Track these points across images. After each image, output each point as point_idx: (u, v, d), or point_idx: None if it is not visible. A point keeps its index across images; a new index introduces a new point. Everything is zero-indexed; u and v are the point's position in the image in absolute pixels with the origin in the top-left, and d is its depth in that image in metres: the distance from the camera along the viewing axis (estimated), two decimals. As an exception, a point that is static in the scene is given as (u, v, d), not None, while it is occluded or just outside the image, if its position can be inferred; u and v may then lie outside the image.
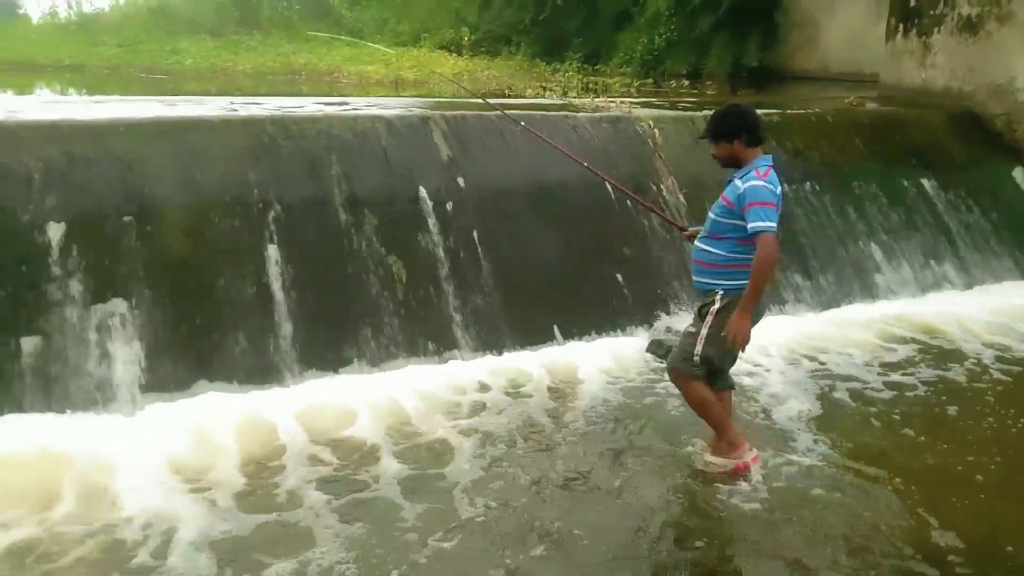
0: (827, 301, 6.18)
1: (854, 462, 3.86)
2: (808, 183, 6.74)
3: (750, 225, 3.42)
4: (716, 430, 3.77)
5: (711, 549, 3.21)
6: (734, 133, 3.60)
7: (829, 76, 12.73)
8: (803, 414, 4.41)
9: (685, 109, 7.13)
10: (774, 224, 3.41)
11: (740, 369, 4.92)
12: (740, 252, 3.55)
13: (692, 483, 3.69)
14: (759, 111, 6.76)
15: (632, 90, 11.86)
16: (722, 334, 3.50)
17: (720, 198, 3.66)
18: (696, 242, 3.75)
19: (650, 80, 13.98)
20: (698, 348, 3.58)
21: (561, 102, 7.75)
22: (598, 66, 15.98)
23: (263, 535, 3.22)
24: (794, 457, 3.91)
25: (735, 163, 3.64)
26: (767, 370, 5.00)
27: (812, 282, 6.23)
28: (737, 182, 3.55)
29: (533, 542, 3.21)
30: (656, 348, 5.05)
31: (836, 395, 4.71)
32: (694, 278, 3.77)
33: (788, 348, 5.33)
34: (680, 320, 5.42)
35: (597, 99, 8.01)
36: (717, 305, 3.56)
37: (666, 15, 14.85)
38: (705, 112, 6.81)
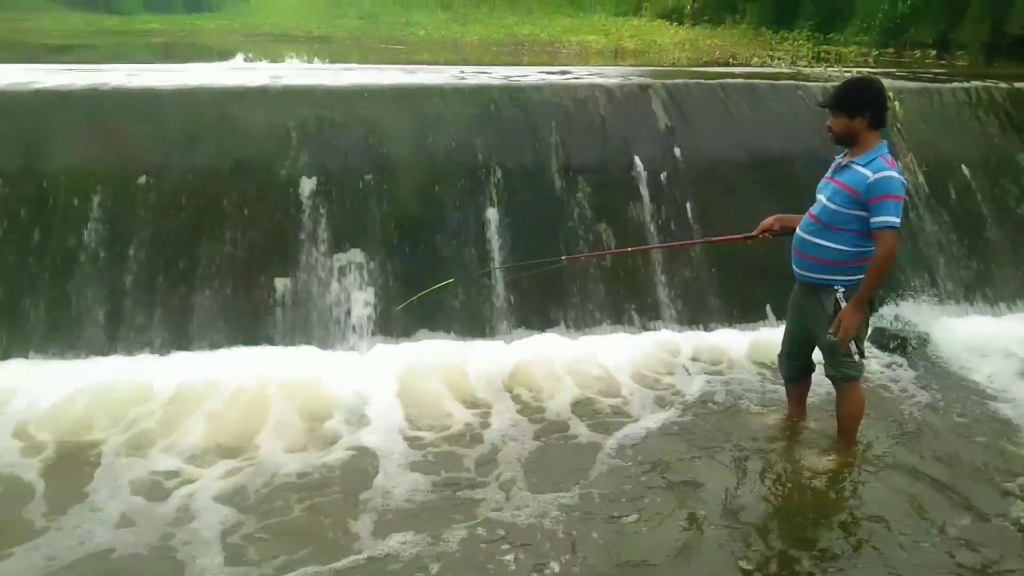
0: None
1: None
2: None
3: (880, 219, 3.16)
4: (852, 438, 3.62)
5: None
6: (859, 109, 3.27)
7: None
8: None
9: (930, 81, 6.51)
10: (899, 221, 3.18)
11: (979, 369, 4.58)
12: (863, 246, 3.28)
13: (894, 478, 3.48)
14: (1020, 84, 6.23)
15: (870, 60, 10.99)
16: (830, 332, 3.31)
17: (833, 183, 3.33)
18: (806, 235, 3.40)
19: (890, 50, 12.85)
20: (854, 348, 3.39)
21: (790, 71, 7.38)
22: (831, 35, 14.95)
23: (468, 463, 3.58)
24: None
25: (848, 141, 3.33)
26: (1003, 371, 4.56)
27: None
28: (862, 169, 3.22)
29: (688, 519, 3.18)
30: (881, 337, 4.75)
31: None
32: (802, 272, 3.44)
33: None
34: (910, 309, 5.07)
35: (830, 68, 7.53)
36: (845, 305, 3.30)
37: (915, -23, 13.57)
38: (955, 85, 6.22)
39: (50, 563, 2.86)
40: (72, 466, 3.45)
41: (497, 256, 4.90)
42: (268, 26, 18.68)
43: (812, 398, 3.95)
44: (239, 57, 12.10)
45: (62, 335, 4.33)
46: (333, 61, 11.97)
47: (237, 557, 2.92)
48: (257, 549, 2.96)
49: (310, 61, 12.18)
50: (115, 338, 4.38)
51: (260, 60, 11.80)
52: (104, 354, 4.31)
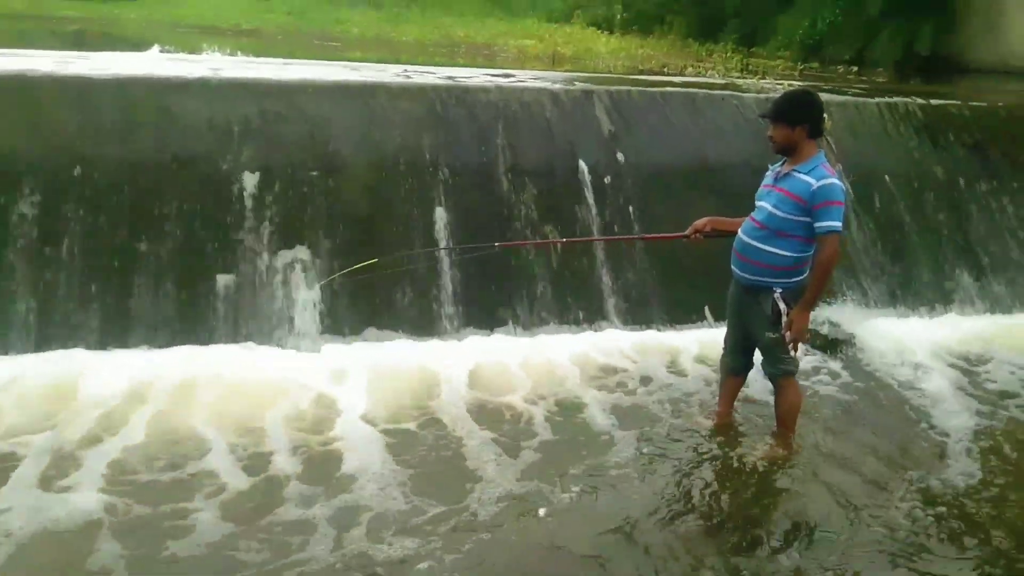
0: (996, 304, 5.84)
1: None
2: (983, 181, 6.33)
3: (823, 224, 3.35)
4: (790, 431, 3.77)
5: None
6: (799, 119, 3.46)
7: (1010, 70, 11.84)
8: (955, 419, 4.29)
9: (855, 96, 6.83)
10: (841, 225, 3.37)
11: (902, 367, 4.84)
12: (803, 251, 3.47)
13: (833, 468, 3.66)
14: (935, 101, 6.62)
15: (796, 74, 11.45)
16: (781, 332, 3.48)
17: (777, 191, 3.49)
18: (752, 240, 3.53)
19: (815, 65, 13.44)
20: (791, 348, 3.56)
21: (723, 82, 7.64)
22: (754, 48, 15.52)
23: (415, 447, 3.67)
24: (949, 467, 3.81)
25: (789, 151, 3.51)
26: (924, 369, 4.83)
27: (981, 284, 5.90)
28: (805, 177, 3.40)
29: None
30: (812, 338, 4.95)
31: (993, 400, 4.54)
32: (744, 275, 3.60)
33: (948, 348, 5.14)
34: (840, 312, 5.31)
35: (762, 80, 7.83)
36: (783, 305, 3.48)
37: (833, -3, 14.23)
38: (878, 100, 6.56)
39: None
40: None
41: (443, 257, 4.91)
42: (193, 18, 18.05)
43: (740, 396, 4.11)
44: (155, 48, 11.55)
45: (-10, 332, 4.12)
46: (264, 56, 11.68)
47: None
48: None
49: (236, 55, 11.82)
50: (45, 336, 4.19)
51: (179, 51, 11.33)
52: (33, 351, 4.12)
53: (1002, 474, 3.74)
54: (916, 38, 13.19)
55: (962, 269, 5.88)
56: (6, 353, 4.08)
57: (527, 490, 3.36)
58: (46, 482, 3.22)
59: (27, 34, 14.28)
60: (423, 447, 3.67)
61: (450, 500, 3.25)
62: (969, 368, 4.93)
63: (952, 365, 4.93)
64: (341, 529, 3.04)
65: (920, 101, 6.63)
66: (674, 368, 4.61)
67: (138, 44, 11.78)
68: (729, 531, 3.19)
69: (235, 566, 2.83)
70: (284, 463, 3.46)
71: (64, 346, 4.15)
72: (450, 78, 5.86)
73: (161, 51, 10.94)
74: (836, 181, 3.39)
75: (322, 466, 3.46)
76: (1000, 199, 6.28)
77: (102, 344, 4.22)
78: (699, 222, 3.84)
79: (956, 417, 4.29)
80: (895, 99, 6.59)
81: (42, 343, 4.16)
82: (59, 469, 3.30)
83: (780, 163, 3.60)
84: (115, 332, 4.28)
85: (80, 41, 13.83)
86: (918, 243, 5.88)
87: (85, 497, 3.12)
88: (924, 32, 13.14)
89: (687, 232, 3.87)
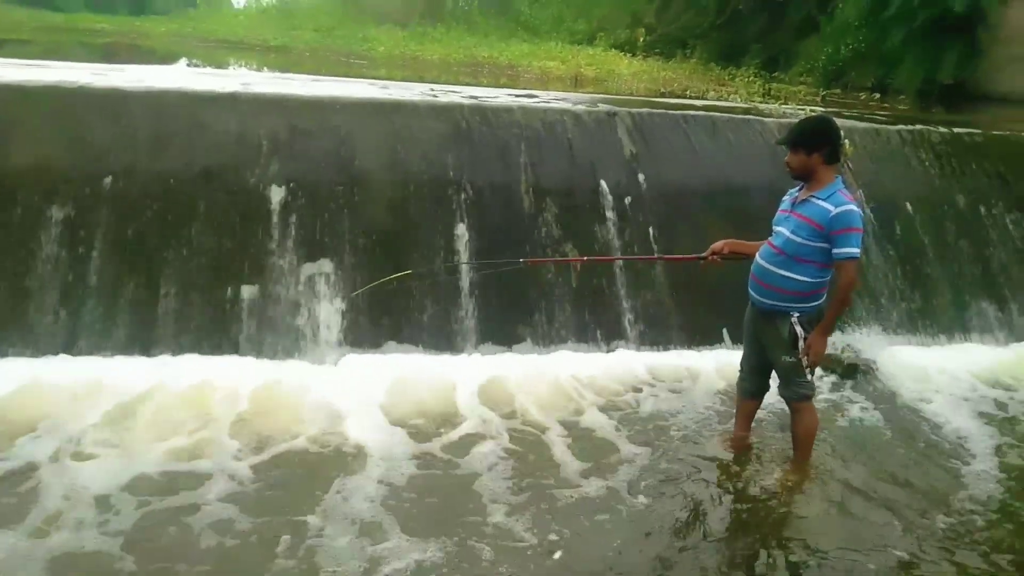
0: (1016, 334, 5.81)
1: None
2: (1004, 210, 6.32)
3: (842, 250, 3.36)
4: (806, 455, 3.78)
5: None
6: (817, 145, 3.46)
7: (1035, 99, 11.79)
8: (973, 448, 4.26)
9: (877, 122, 6.85)
10: (859, 252, 3.39)
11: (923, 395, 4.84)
12: (820, 276, 3.49)
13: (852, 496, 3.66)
14: (957, 129, 6.63)
15: (818, 100, 11.48)
16: (798, 356, 3.51)
17: (795, 216, 3.50)
18: (770, 265, 3.55)
19: (837, 91, 13.47)
20: (807, 371, 3.58)
21: (746, 106, 7.69)
22: (776, 74, 15.57)
23: (431, 467, 3.67)
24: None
25: (806, 176, 3.51)
26: (943, 397, 4.83)
27: (1004, 313, 5.87)
28: (823, 203, 3.41)
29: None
30: (831, 364, 4.95)
31: (1011, 430, 4.50)
32: (761, 299, 3.60)
33: (967, 376, 5.12)
34: (859, 338, 5.30)
35: (784, 105, 7.86)
36: (800, 329, 3.49)
37: (855, 24, 14.25)
38: (899, 127, 6.57)
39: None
40: (17, 464, 3.39)
41: (465, 272, 4.97)
42: (222, 33, 18.42)
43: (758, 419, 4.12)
44: (182, 62, 11.81)
45: (20, 335, 4.21)
46: (292, 72, 11.87)
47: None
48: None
49: (264, 70, 12.03)
50: (75, 340, 4.28)
51: (206, 66, 11.58)
52: (62, 354, 4.21)
53: (1021, 505, 3.71)
54: (939, 66, 13.17)
55: (982, 298, 5.85)
56: (35, 356, 4.17)
57: (533, 511, 3.37)
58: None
59: (63, 46, 14.61)
60: (434, 465, 3.69)
61: (455, 523, 3.25)
62: (988, 397, 4.90)
63: (971, 394, 4.91)
64: (341, 540, 3.08)
65: (942, 129, 6.64)
66: (691, 390, 4.62)
67: (167, 58, 12.03)
68: (740, 556, 3.19)
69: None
70: (292, 470, 3.53)
71: (90, 352, 4.23)
72: (474, 97, 5.95)
73: (188, 65, 11.20)
74: (854, 208, 3.41)
75: (326, 481, 3.47)
76: (1022, 228, 6.26)
77: (127, 351, 4.29)
78: (717, 244, 3.86)
79: (974, 446, 4.27)
80: (917, 127, 6.60)
81: (70, 347, 4.24)
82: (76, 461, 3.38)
83: (797, 188, 3.62)
84: (140, 341, 4.35)
85: (111, 54, 14.14)
86: (938, 271, 5.87)
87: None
88: (947, 60, 13.11)
89: (705, 254, 3.90)
